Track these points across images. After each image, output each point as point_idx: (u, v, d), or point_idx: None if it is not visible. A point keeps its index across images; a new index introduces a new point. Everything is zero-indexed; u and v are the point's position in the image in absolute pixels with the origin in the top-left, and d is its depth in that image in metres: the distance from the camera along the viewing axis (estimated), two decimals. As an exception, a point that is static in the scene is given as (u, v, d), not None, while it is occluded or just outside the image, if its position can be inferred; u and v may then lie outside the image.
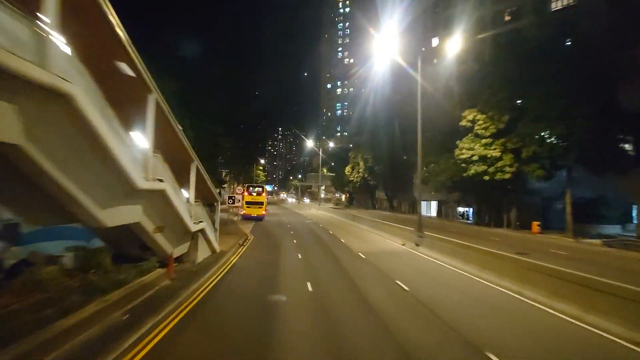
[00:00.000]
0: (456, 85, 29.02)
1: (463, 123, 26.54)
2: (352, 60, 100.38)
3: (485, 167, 25.17)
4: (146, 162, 8.12)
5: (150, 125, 8.25)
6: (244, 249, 16.61)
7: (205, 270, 11.23)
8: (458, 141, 27.06)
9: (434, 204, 44.53)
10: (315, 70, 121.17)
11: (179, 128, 9.91)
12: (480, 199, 31.72)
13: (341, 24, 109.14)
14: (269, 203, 60.85)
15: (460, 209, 39.14)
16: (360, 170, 54.28)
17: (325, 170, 76.12)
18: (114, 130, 6.72)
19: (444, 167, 30.32)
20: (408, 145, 39.30)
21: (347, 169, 58.45)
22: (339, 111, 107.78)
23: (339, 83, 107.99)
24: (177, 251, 11.33)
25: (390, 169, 47.92)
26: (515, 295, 9.17)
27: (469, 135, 26.36)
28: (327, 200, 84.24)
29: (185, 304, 8.00)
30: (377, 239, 21.39)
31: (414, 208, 49.08)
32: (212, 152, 38.42)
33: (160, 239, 9.75)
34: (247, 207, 32.68)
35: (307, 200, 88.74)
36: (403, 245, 18.26)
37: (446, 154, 30.06)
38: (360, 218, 30.96)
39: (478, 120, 25.51)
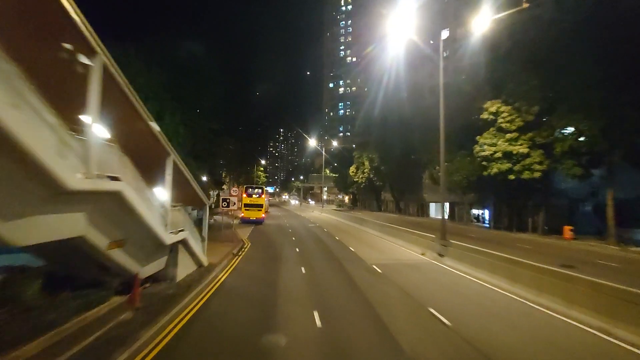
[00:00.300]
0: (475, 76, 26.45)
1: (484, 116, 23.83)
2: (354, 59, 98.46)
3: (509, 165, 22.54)
4: (87, 153, 5.71)
5: (95, 101, 5.81)
6: (238, 260, 14.20)
7: (185, 294, 8.79)
8: (478, 137, 24.39)
9: (445, 206, 41.98)
10: (317, 69, 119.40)
11: (144, 110, 7.45)
12: (499, 201, 29.14)
13: (343, 22, 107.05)
14: (270, 205, 58.76)
15: (475, 211, 36.52)
16: (366, 170, 51.92)
17: (327, 171, 73.72)
18: (19, 100, 4.35)
19: (459, 165, 27.88)
20: (418, 143, 36.86)
21: (352, 169, 56.10)
22: (342, 111, 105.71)
23: (341, 82, 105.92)
24: (149, 269, 8.91)
25: (397, 169, 45.45)
26: (600, 334, 6.68)
27: (491, 129, 23.69)
28: (329, 202, 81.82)
29: (142, 354, 5.60)
30: (390, 246, 18.91)
31: (423, 210, 46.53)
32: (209, 151, 36.18)
33: (119, 256, 7.33)
34: (245, 210, 30.54)
35: (312, 202, 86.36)
36: (423, 255, 15.78)
37: (462, 152, 27.61)
38: (367, 221, 28.48)
39: (502, 112, 22.79)
